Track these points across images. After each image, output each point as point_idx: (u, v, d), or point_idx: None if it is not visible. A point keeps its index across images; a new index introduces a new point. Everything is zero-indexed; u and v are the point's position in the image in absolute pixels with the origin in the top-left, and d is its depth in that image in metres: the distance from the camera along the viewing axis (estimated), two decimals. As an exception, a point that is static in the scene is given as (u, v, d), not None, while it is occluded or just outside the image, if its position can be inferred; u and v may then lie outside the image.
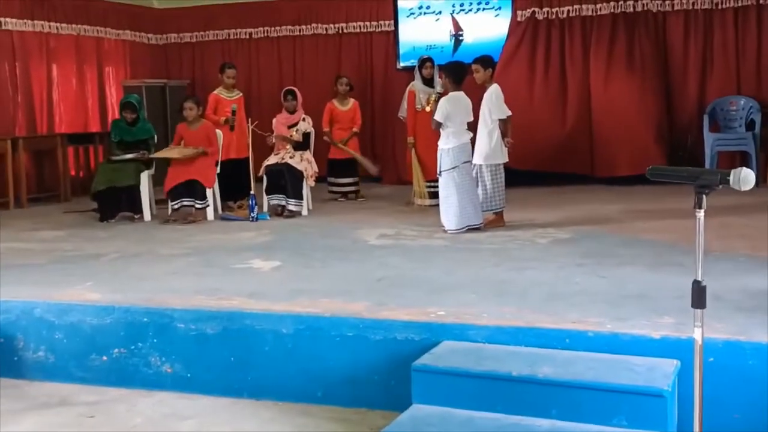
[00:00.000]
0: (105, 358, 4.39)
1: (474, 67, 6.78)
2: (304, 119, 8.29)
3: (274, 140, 8.18)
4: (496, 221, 6.77)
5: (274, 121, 8.40)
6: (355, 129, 9.06)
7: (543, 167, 9.23)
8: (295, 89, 8.48)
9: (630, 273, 4.85)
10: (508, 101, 6.86)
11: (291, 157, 7.98)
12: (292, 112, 8.32)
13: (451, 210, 6.46)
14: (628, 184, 8.89)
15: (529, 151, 8.70)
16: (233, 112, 8.44)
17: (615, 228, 6.51)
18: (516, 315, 3.93)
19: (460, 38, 10.46)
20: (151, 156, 8.05)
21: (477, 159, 6.68)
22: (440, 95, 6.58)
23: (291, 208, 7.83)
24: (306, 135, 8.27)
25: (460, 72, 6.65)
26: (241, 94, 8.92)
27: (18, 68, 9.68)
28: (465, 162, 6.49)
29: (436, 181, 7.45)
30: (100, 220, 7.76)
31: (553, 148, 9.19)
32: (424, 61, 8.41)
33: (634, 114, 9.14)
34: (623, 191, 8.71)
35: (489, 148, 6.66)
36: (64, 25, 10.17)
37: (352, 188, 9.06)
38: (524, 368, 3.43)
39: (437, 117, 6.47)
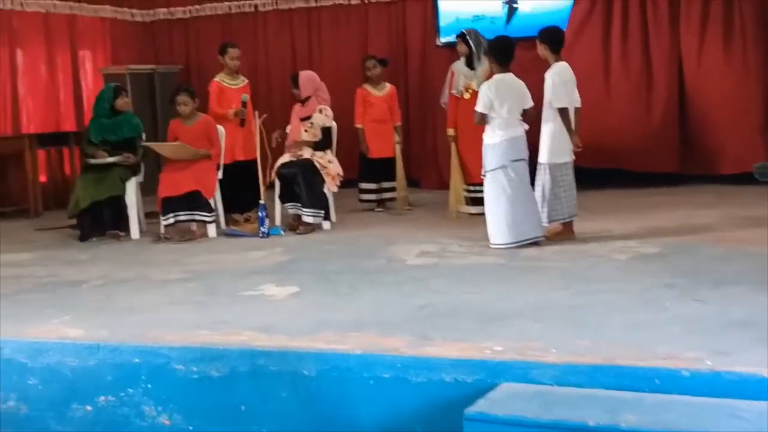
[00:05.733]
0: (89, 407, 4.46)
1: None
2: (320, 110, 8.11)
3: (278, 138, 8.16)
4: (564, 233, 6.76)
5: (292, 113, 8.38)
6: (398, 124, 9.11)
7: (622, 164, 9.20)
8: (301, 73, 8.38)
9: (733, 295, 4.83)
10: (578, 83, 6.83)
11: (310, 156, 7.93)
12: (302, 101, 8.22)
13: (499, 221, 6.46)
14: (730, 184, 8.83)
15: (605, 144, 8.69)
16: (244, 104, 8.39)
17: (713, 239, 6.49)
18: (591, 349, 3.94)
19: (515, 6, 10.47)
20: (143, 144, 8.08)
21: (539, 156, 6.69)
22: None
23: (307, 219, 7.79)
24: (326, 130, 8.11)
25: (505, 50, 6.62)
26: (247, 81, 8.87)
27: (-26, 55, 9.78)
28: (516, 160, 6.46)
29: (479, 184, 7.41)
30: (80, 239, 7.81)
31: (635, 141, 9.16)
32: (457, 37, 8.46)
33: (735, 96, 9.09)
34: (724, 193, 8.66)
35: (550, 142, 6.66)
36: (29, 0, 10.20)
37: (391, 194, 9.03)
38: (603, 416, 3.44)
39: (479, 108, 6.46)
